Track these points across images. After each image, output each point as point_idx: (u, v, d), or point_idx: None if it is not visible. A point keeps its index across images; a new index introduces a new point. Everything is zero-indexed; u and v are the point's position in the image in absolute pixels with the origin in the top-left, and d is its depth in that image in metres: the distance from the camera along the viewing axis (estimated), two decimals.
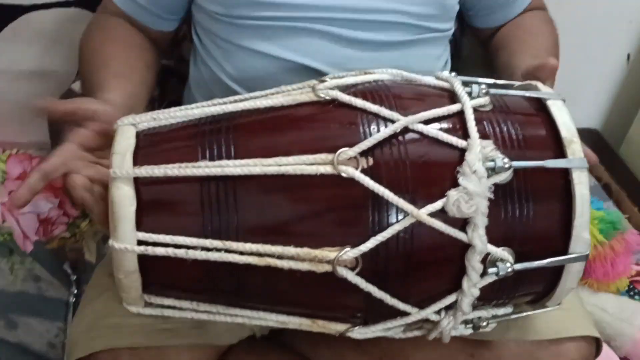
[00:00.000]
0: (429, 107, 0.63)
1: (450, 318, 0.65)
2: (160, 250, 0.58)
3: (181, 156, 0.60)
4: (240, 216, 0.59)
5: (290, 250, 0.59)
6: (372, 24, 0.82)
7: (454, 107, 0.64)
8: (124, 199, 0.58)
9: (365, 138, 0.60)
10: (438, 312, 0.65)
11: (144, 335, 0.67)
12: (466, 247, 0.61)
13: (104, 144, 0.67)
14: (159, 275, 0.61)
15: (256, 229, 0.59)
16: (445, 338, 0.68)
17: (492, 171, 0.60)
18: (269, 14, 0.81)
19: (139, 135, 0.62)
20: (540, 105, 0.68)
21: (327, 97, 0.64)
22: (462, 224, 0.60)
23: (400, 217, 0.59)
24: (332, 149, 0.59)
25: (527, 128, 0.65)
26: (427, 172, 0.61)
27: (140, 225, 0.58)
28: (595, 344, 0.79)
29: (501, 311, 0.69)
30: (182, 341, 0.67)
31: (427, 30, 0.86)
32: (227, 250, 0.59)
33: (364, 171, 0.59)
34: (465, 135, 0.62)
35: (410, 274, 0.61)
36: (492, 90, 0.66)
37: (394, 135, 0.61)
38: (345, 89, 0.65)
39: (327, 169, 0.58)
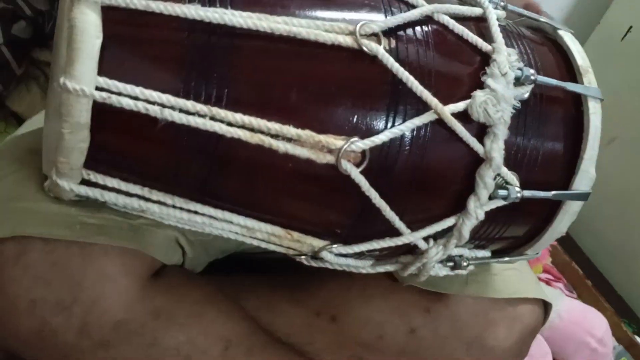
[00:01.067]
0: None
1: (440, 247, 0.57)
2: (127, 102, 0.45)
3: None
4: (234, 79, 0.47)
5: (290, 130, 0.48)
6: None
7: (476, 10, 0.56)
8: (89, 27, 0.44)
9: (387, 17, 0.51)
10: (426, 239, 0.56)
11: (63, 225, 0.51)
12: (477, 162, 0.53)
13: None
14: (114, 140, 0.47)
15: (251, 98, 0.48)
16: (423, 274, 0.60)
17: (517, 81, 0.53)
18: None
19: None
20: (550, 34, 0.63)
21: None
22: (479, 134, 0.53)
23: (418, 113, 0.50)
24: (352, 22, 0.50)
25: (541, 50, 0.60)
26: (451, 68, 0.53)
27: (101, 69, 0.45)
28: (545, 309, 0.75)
29: (480, 254, 0.63)
30: (111, 241, 0.52)
31: None
32: (213, 118, 0.46)
33: (387, 51, 0.49)
34: (488, 41, 0.55)
35: (414, 184, 0.53)
36: (510, 7, 0.60)
37: (418, 22, 0.52)
38: None
39: (346, 40, 0.49)
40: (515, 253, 0.65)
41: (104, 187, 0.50)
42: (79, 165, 0.47)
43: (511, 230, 0.61)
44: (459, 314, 0.70)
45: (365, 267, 0.60)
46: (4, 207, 0.52)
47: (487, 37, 0.55)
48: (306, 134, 0.48)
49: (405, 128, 0.50)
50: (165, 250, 0.58)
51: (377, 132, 0.50)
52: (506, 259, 0.64)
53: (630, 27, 1.51)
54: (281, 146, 0.48)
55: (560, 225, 0.60)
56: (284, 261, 0.60)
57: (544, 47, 0.61)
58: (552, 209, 0.60)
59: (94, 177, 0.49)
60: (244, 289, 0.70)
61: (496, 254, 0.65)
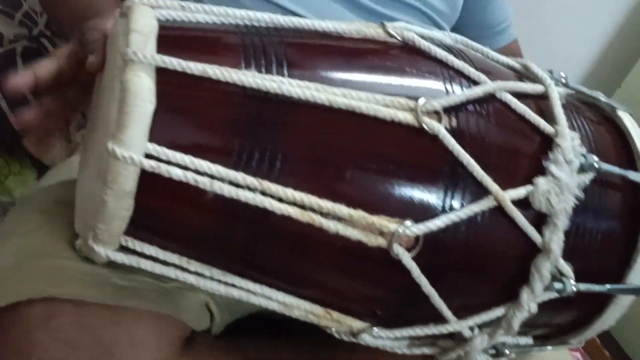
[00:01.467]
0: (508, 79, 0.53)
1: (485, 337, 0.53)
2: (176, 173, 0.42)
3: (219, 58, 0.45)
4: (287, 151, 0.45)
5: (342, 209, 0.45)
6: (394, 2, 0.73)
7: (538, 88, 0.54)
8: (142, 91, 0.41)
9: (448, 93, 0.49)
10: (471, 327, 0.53)
11: (94, 287, 0.48)
12: (532, 251, 0.50)
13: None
14: (157, 207, 0.44)
15: (304, 173, 0.45)
16: None
17: (580, 168, 0.50)
18: None
19: (160, 21, 0.46)
20: (608, 113, 0.60)
21: (399, 38, 0.52)
22: (537, 222, 0.50)
23: (477, 198, 0.48)
24: (411, 97, 0.47)
25: (599, 131, 0.57)
26: (511, 150, 0.50)
27: (150, 134, 0.42)
28: None
29: (522, 341, 0.59)
30: (144, 305, 0.49)
31: (434, 24, 0.80)
32: (263, 193, 0.44)
33: (448, 130, 0.47)
34: (549, 122, 0.52)
35: (465, 271, 0.50)
36: (571, 84, 0.58)
37: (480, 100, 0.50)
38: None
39: (406, 117, 0.46)
40: (558, 341, 0.61)
41: (141, 255, 0.47)
42: (119, 233, 0.44)
43: (556, 319, 0.58)
44: None
45: (400, 347, 0.56)
46: (33, 265, 0.49)
47: (548, 115, 0.53)
48: (358, 214, 0.45)
49: (462, 215, 0.47)
50: (196, 316, 0.55)
51: (433, 216, 0.47)
52: (549, 347, 0.61)
53: None
54: (332, 226, 0.45)
55: (610, 318, 0.57)
56: (307, 324, 0.57)
57: (601, 127, 0.59)
58: (602, 300, 0.56)
59: (132, 243, 0.46)
60: (266, 355, 0.67)
61: (537, 339, 0.61)
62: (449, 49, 0.53)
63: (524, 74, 0.57)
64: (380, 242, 0.46)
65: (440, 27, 0.80)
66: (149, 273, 0.51)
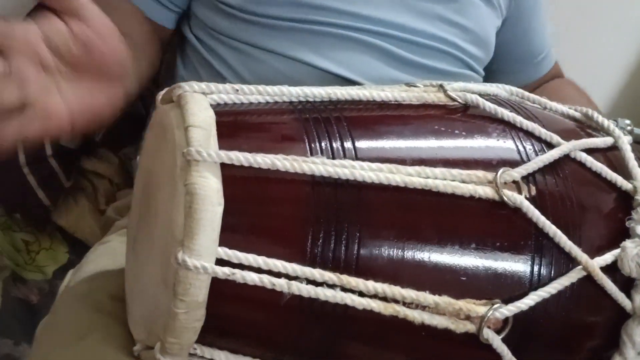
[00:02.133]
0: (576, 136, 0.50)
1: None
2: (251, 278, 0.39)
3: (284, 146, 0.42)
4: (364, 240, 0.41)
5: (427, 297, 0.42)
6: (424, 49, 0.73)
7: (608, 140, 0.51)
8: (211, 194, 0.38)
9: (523, 159, 0.46)
10: None
11: None
12: (621, 316, 0.47)
13: (75, 57, 0.44)
14: (229, 313, 0.41)
15: (383, 261, 0.42)
16: None
17: None
18: (313, 17, 0.68)
19: (214, 108, 0.43)
20: None
21: (461, 101, 0.49)
22: (625, 287, 0.47)
23: (564, 269, 0.45)
24: (487, 166, 0.44)
25: None
26: (593, 213, 0.47)
27: (220, 238, 0.39)
28: None
29: None
30: None
31: (469, 68, 0.77)
32: (343, 288, 0.40)
33: (529, 200, 0.44)
34: (624, 176, 0.49)
35: (556, 346, 0.46)
36: (636, 130, 0.55)
37: (555, 163, 0.47)
38: None
39: (486, 191, 0.43)
40: None
41: None
42: (190, 345, 0.41)
43: None
44: None
45: None
46: None
47: (620, 169, 0.50)
48: (444, 300, 0.42)
49: (552, 290, 0.44)
50: None
51: (521, 292, 0.44)
52: None
53: None
54: (417, 316, 0.41)
55: None
56: None
57: None
58: None
59: (201, 351, 0.42)
60: None
61: None
62: (509, 105, 0.51)
63: (586, 124, 0.55)
64: (469, 327, 0.43)
65: (476, 72, 0.78)
66: None
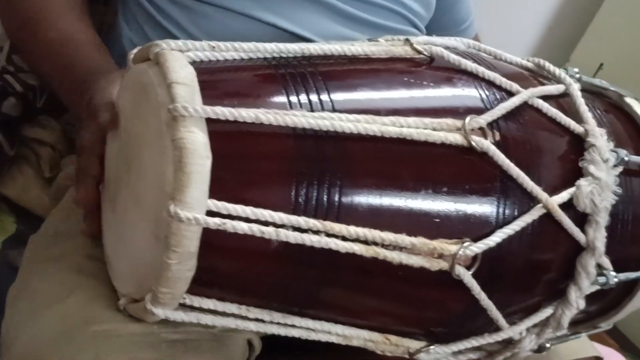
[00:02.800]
0: (531, 84, 0.54)
1: (532, 337, 0.55)
2: (241, 227, 0.40)
3: (265, 100, 0.43)
4: (345, 188, 0.44)
5: (404, 239, 0.44)
6: (371, 6, 0.75)
7: (560, 88, 0.55)
8: (199, 148, 0.39)
9: (486, 107, 0.49)
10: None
11: (148, 346, 0.46)
12: (576, 249, 0.51)
13: None
14: (219, 262, 0.43)
15: (363, 207, 0.44)
16: None
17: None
18: None
19: (193, 65, 0.44)
20: (615, 101, 0.62)
21: (426, 54, 0.51)
22: (580, 222, 0.51)
23: (527, 208, 0.48)
24: (455, 114, 0.47)
25: (611, 120, 0.59)
26: (550, 155, 0.51)
27: (211, 191, 0.40)
28: None
29: (559, 332, 0.61)
30: (201, 357, 0.48)
31: (413, 25, 0.80)
32: (327, 234, 0.43)
33: (495, 145, 0.47)
34: (576, 120, 0.53)
35: (519, 280, 0.50)
36: (584, 78, 0.59)
37: (515, 109, 0.50)
38: None
39: (456, 138, 0.46)
40: (589, 326, 0.63)
41: (200, 310, 0.45)
42: (181, 294, 0.42)
43: (590, 306, 0.60)
44: None
45: (446, 356, 0.57)
46: (82, 333, 0.47)
47: (572, 114, 0.54)
48: (420, 241, 0.45)
49: (516, 227, 0.47)
50: (243, 354, 0.54)
51: (488, 231, 0.47)
52: (583, 333, 0.63)
53: (601, 64, 1.53)
54: (395, 257, 0.44)
55: (638, 301, 0.59)
56: None
57: (611, 115, 0.60)
58: (631, 283, 0.58)
59: (190, 300, 0.44)
60: None
61: (570, 326, 0.63)
62: (469, 56, 0.53)
63: (537, 73, 0.58)
64: (442, 265, 0.46)
65: (418, 29, 0.81)
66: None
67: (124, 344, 0.46)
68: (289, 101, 0.44)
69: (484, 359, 0.58)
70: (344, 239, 0.43)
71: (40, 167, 0.87)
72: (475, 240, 0.46)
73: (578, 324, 0.63)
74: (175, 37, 0.69)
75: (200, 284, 0.43)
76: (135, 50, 0.48)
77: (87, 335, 0.47)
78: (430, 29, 0.85)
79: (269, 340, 0.69)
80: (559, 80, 0.56)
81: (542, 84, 0.56)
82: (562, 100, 0.55)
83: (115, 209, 0.50)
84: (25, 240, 0.61)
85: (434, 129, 0.46)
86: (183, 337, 0.49)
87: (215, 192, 0.40)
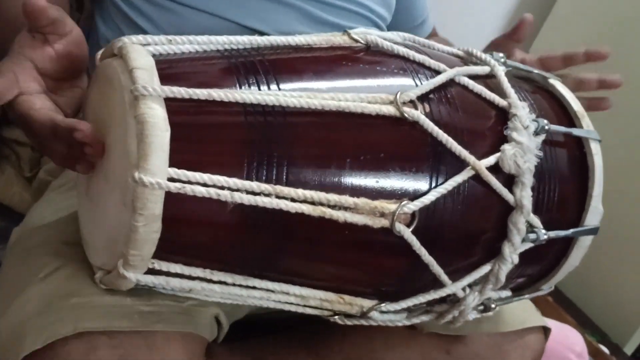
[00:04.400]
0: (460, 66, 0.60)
1: (476, 294, 0.60)
2: (199, 190, 0.46)
3: (218, 82, 0.49)
4: (292, 157, 0.49)
5: (348, 200, 0.50)
6: (339, 10, 0.81)
7: (486, 69, 0.61)
8: (159, 122, 0.45)
9: (417, 84, 0.55)
10: (463, 287, 0.60)
11: (123, 317, 0.51)
12: (507, 209, 0.57)
13: (61, 72, 0.54)
14: (182, 226, 0.48)
15: (309, 173, 0.50)
16: (459, 320, 0.63)
17: (535, 132, 0.58)
18: None
19: (154, 56, 0.49)
20: (540, 83, 0.69)
21: (362, 42, 0.57)
22: (508, 183, 0.57)
23: (457, 170, 0.54)
24: (389, 91, 0.53)
25: (537, 99, 0.65)
26: (477, 125, 0.57)
27: (171, 160, 0.46)
28: (544, 333, 0.80)
29: (503, 294, 0.66)
30: (171, 327, 0.53)
31: (376, 26, 0.87)
32: (277, 196, 0.48)
33: (425, 115, 0.53)
34: (500, 96, 0.59)
35: (455, 236, 0.56)
36: (509, 62, 0.65)
37: (443, 86, 0.56)
38: None
39: (389, 109, 0.52)
40: (532, 289, 0.69)
41: (168, 274, 0.50)
42: (149, 256, 0.47)
43: (530, 269, 0.66)
44: (477, 351, 0.74)
45: (401, 320, 0.62)
46: (62, 305, 0.51)
47: (498, 91, 0.60)
48: (362, 201, 0.50)
49: (448, 186, 0.53)
50: (211, 329, 0.59)
51: (424, 192, 0.53)
52: (526, 296, 0.68)
53: None
54: (340, 216, 0.50)
55: (575, 259, 0.65)
56: (298, 318, 0.62)
57: (537, 95, 0.67)
58: (565, 244, 0.64)
59: (158, 265, 0.49)
60: (268, 353, 0.71)
61: (514, 291, 0.69)
62: (403, 45, 0.60)
63: (467, 59, 0.64)
64: (384, 222, 0.51)
65: (380, 29, 0.87)
66: (166, 295, 0.54)
67: (101, 314, 0.51)
68: (240, 85, 0.50)
69: (435, 319, 0.63)
70: (292, 200, 0.49)
71: (20, 166, 0.92)
72: (413, 199, 0.52)
73: (522, 289, 0.69)
74: (145, 31, 0.73)
75: (167, 250, 0.49)
76: (101, 51, 0.54)
77: (66, 308, 0.51)
78: (390, 26, 0.92)
79: (241, 326, 0.74)
80: (485, 63, 0.62)
81: None
82: (488, 81, 0.61)
83: (90, 193, 0.55)
84: (7, 236, 0.65)
85: (369, 102, 0.52)
86: (155, 309, 0.53)
87: (175, 161, 0.45)
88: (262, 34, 0.74)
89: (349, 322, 0.59)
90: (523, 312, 0.78)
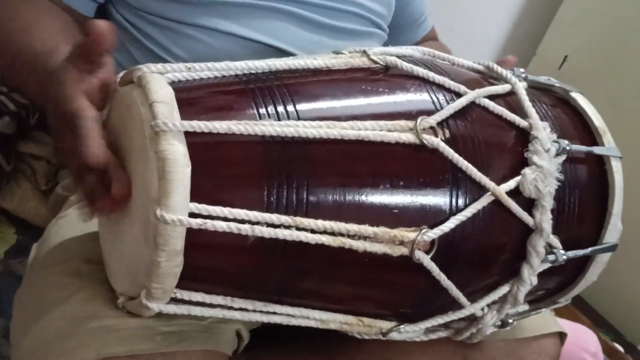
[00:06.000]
0: (480, 85, 0.60)
1: (494, 313, 0.60)
2: (220, 225, 0.46)
3: (237, 113, 0.49)
4: (310, 186, 0.49)
5: (367, 229, 0.50)
6: (335, 12, 0.81)
7: (506, 87, 0.60)
8: (179, 158, 0.45)
9: (437, 108, 0.55)
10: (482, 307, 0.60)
11: (145, 338, 0.52)
12: (527, 231, 0.57)
13: (102, 101, 0.53)
14: (203, 258, 0.48)
15: (328, 203, 0.50)
16: (477, 337, 0.63)
17: (555, 153, 0.57)
18: None
19: (172, 84, 0.49)
20: (561, 95, 0.68)
21: (382, 63, 0.57)
22: (527, 206, 0.56)
23: (477, 196, 0.54)
24: (408, 117, 0.53)
25: (558, 113, 0.64)
26: (497, 148, 0.57)
27: (192, 195, 0.46)
28: (560, 339, 0.80)
29: (520, 308, 0.66)
30: (193, 346, 0.53)
31: (376, 26, 0.86)
32: (298, 228, 0.48)
33: (444, 142, 0.53)
34: (521, 116, 0.59)
35: (474, 260, 0.56)
36: (530, 77, 0.64)
37: (463, 109, 0.56)
38: None
39: (408, 137, 0.51)
40: (548, 302, 0.69)
41: (190, 303, 0.51)
42: (172, 289, 0.48)
43: (547, 284, 0.66)
44: (493, 357, 0.74)
45: (419, 335, 0.62)
46: (84, 329, 0.52)
47: (518, 110, 0.59)
48: (381, 230, 0.50)
49: (468, 213, 0.53)
50: (232, 344, 0.59)
51: (443, 219, 0.53)
52: (543, 309, 0.69)
53: (566, 56, 1.60)
54: (360, 245, 0.50)
55: (592, 275, 0.65)
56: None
57: (558, 109, 0.66)
58: (584, 261, 0.64)
59: (180, 294, 0.50)
60: (287, 352, 0.72)
61: (531, 303, 0.69)
62: (422, 63, 0.59)
63: (487, 74, 0.64)
64: (403, 250, 0.51)
65: (381, 29, 0.87)
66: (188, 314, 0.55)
67: (123, 338, 0.52)
68: (258, 112, 0.50)
69: (453, 335, 0.64)
70: (312, 231, 0.49)
71: (36, 180, 0.94)
72: (432, 227, 0.52)
73: (539, 301, 0.69)
74: (157, 56, 0.75)
75: (188, 279, 0.49)
76: (121, 74, 0.54)
77: (88, 331, 0.52)
78: (390, 25, 0.92)
79: (259, 333, 0.75)
80: (505, 80, 0.61)
81: (491, 85, 0.61)
82: (508, 99, 0.61)
83: (110, 216, 0.55)
84: (25, 249, 0.66)
85: (389, 130, 0.51)
86: (176, 329, 0.54)
87: (196, 196, 0.46)
88: (266, 45, 0.74)
89: (367, 337, 0.60)
90: (539, 318, 0.78)
